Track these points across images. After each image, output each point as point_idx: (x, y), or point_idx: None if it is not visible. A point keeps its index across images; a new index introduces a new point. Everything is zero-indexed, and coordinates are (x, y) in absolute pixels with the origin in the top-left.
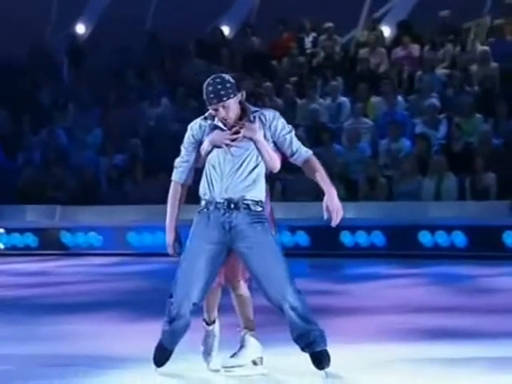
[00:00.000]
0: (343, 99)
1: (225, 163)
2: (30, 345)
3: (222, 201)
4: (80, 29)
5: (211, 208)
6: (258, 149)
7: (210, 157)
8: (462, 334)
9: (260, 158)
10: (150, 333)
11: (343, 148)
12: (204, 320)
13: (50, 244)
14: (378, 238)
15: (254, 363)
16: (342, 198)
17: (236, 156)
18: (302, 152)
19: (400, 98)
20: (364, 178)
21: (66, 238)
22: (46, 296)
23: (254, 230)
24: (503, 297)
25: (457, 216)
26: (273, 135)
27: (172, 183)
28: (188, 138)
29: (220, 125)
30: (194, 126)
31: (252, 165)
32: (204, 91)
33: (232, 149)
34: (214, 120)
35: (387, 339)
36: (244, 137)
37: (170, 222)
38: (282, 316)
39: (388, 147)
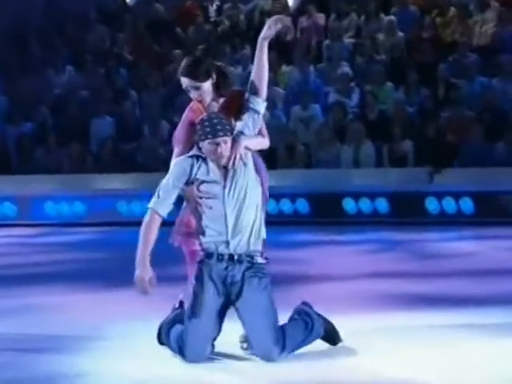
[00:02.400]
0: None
1: (224, 205)
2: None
3: (224, 254)
4: None
5: (213, 260)
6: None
7: (204, 195)
8: (439, 299)
9: (256, 183)
10: (120, 303)
11: None
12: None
13: None
14: (302, 206)
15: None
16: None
17: (234, 195)
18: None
19: (311, 67)
20: (282, 145)
21: None
22: None
23: (250, 287)
24: (454, 261)
25: (378, 183)
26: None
27: (149, 211)
28: (176, 167)
29: (215, 168)
30: (186, 160)
31: (253, 202)
32: (205, 124)
33: (226, 189)
34: (208, 159)
35: (365, 307)
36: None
37: (141, 254)
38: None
39: (300, 115)
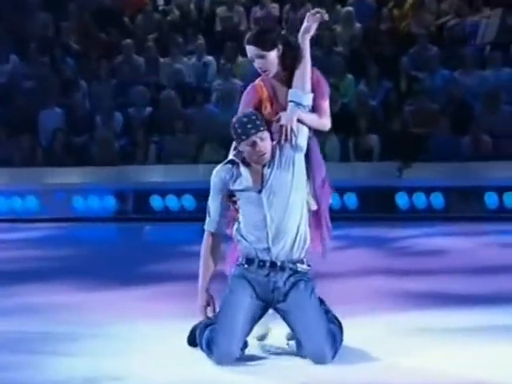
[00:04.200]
0: (209, 58)
1: (263, 210)
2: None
3: (266, 260)
4: None
5: (253, 267)
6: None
7: (244, 197)
8: (448, 298)
9: (304, 181)
10: (117, 302)
11: (218, 109)
12: None
13: None
14: None
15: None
16: (222, 161)
17: (274, 199)
18: None
19: None
20: None
21: None
22: None
23: (297, 290)
24: (439, 258)
25: (345, 178)
26: None
27: (205, 233)
28: (214, 183)
29: (248, 175)
30: (222, 171)
31: (297, 205)
32: (236, 127)
33: (265, 193)
34: (241, 165)
35: (362, 304)
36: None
37: (202, 281)
38: None
39: None
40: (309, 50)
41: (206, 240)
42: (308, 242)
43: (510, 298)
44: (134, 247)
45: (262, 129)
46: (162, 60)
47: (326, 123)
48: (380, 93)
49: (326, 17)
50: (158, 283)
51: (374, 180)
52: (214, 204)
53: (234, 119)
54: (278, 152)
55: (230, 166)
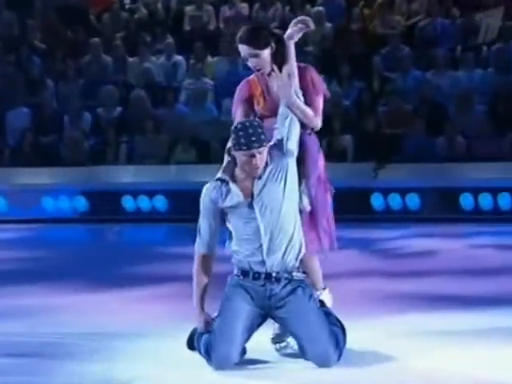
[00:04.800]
0: (178, 58)
1: (256, 224)
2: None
3: (261, 272)
4: None
5: (248, 277)
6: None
7: (236, 213)
8: (442, 300)
9: (296, 190)
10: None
11: (188, 109)
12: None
13: None
14: None
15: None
16: (193, 162)
17: (266, 212)
18: None
19: (240, 57)
20: (217, 140)
21: None
22: None
23: (295, 296)
24: (431, 259)
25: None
26: None
27: (195, 254)
28: (204, 203)
29: (238, 191)
30: (210, 189)
31: (290, 216)
32: (239, 134)
33: (257, 207)
34: (230, 182)
35: (378, 308)
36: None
37: (198, 302)
38: None
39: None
40: (293, 56)
41: (198, 261)
42: (302, 250)
43: (505, 300)
44: (108, 248)
45: (264, 144)
46: (130, 59)
47: (317, 121)
48: (352, 93)
49: (312, 25)
50: (143, 285)
51: (348, 181)
52: (204, 224)
53: (239, 125)
54: (269, 162)
55: (218, 183)
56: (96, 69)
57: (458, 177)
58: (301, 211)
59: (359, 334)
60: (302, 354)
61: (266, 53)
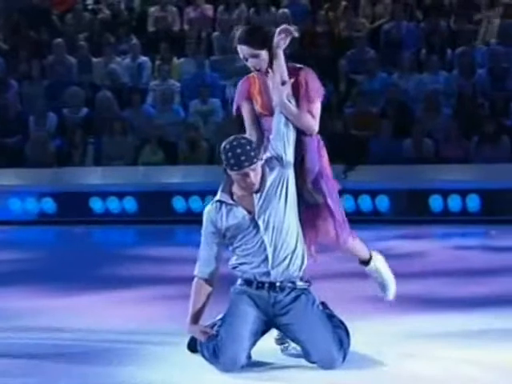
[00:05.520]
0: (144, 59)
1: (260, 237)
2: None
3: (264, 282)
4: None
5: (252, 288)
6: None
7: (240, 230)
8: (431, 301)
9: (295, 204)
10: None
11: (155, 110)
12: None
13: None
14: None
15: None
16: (161, 163)
17: (269, 225)
18: None
19: (206, 59)
20: (183, 141)
21: None
22: None
23: (299, 302)
24: (408, 262)
25: None
26: None
27: (195, 279)
28: (205, 226)
29: (239, 209)
30: (210, 211)
31: (293, 225)
32: (228, 155)
33: (259, 221)
34: (230, 201)
35: (369, 310)
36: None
37: (190, 320)
38: None
39: (199, 109)
40: (283, 63)
41: (197, 285)
42: (305, 261)
43: (494, 301)
44: (78, 251)
45: (255, 160)
46: (94, 60)
47: (311, 125)
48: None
49: (295, 33)
50: (123, 287)
51: None
52: (206, 249)
53: (227, 145)
54: (267, 174)
55: (218, 204)
56: (60, 69)
57: (427, 179)
58: (313, 205)
59: (355, 336)
60: (306, 357)
61: (264, 53)
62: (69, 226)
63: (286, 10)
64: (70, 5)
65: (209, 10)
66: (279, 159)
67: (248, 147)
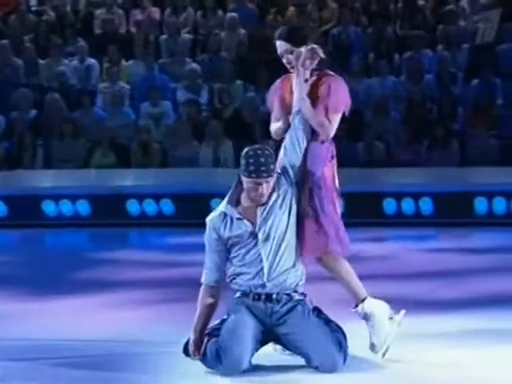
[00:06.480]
0: (92, 61)
1: (259, 250)
2: None
3: (261, 293)
4: None
5: (249, 299)
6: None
7: (241, 240)
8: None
9: (291, 226)
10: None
11: (106, 113)
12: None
13: None
14: (167, 206)
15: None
16: (113, 166)
17: (269, 239)
18: None
19: (155, 62)
20: (136, 144)
21: None
22: None
23: (295, 312)
24: (369, 264)
25: None
26: None
27: (202, 286)
28: (209, 234)
29: (243, 221)
30: (214, 219)
31: (293, 240)
32: (250, 161)
33: (260, 234)
34: (235, 212)
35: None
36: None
37: (197, 331)
38: None
39: (150, 112)
40: (303, 83)
41: (204, 291)
42: (304, 277)
43: (462, 302)
44: (32, 254)
45: (272, 174)
46: (41, 62)
47: (326, 126)
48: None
49: (322, 54)
50: (88, 292)
51: None
52: (210, 257)
53: (251, 151)
54: (276, 189)
55: (222, 214)
56: (7, 71)
57: (381, 182)
58: (304, 215)
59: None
60: (308, 363)
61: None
62: (21, 229)
63: (234, 14)
64: (12, 7)
65: (155, 12)
66: (288, 176)
67: (270, 159)
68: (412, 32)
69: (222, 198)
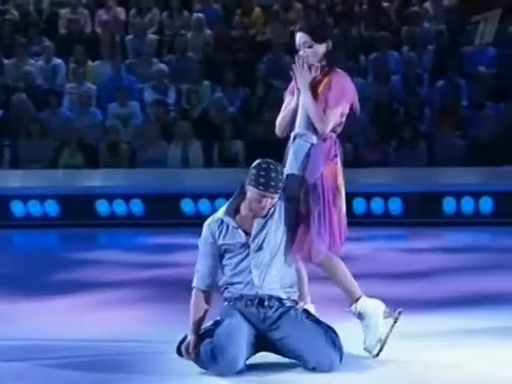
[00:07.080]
0: (58, 61)
1: (251, 260)
2: None
3: (253, 300)
4: None
5: (240, 304)
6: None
7: (234, 249)
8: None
9: (285, 241)
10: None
11: (73, 113)
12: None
13: None
14: (137, 207)
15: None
16: (80, 166)
17: (262, 250)
18: None
19: (122, 62)
20: (104, 144)
21: None
22: None
23: (288, 316)
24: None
25: (214, 184)
26: None
27: (193, 290)
28: (205, 238)
29: (238, 230)
30: (211, 224)
31: (287, 250)
32: (261, 173)
33: (253, 244)
34: (231, 221)
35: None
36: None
37: (192, 332)
38: None
39: (118, 112)
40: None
41: (196, 296)
42: (296, 289)
43: (434, 302)
44: (4, 255)
45: (279, 191)
46: (6, 61)
47: (322, 118)
48: (237, 99)
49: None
50: (67, 292)
51: None
52: (203, 261)
53: (264, 164)
54: (276, 204)
55: (219, 221)
56: None
57: (350, 182)
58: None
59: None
60: (304, 365)
61: (320, 47)
62: None
63: (200, 15)
64: None
65: (121, 12)
66: (291, 188)
67: (280, 177)
68: (377, 33)
69: (192, 198)
